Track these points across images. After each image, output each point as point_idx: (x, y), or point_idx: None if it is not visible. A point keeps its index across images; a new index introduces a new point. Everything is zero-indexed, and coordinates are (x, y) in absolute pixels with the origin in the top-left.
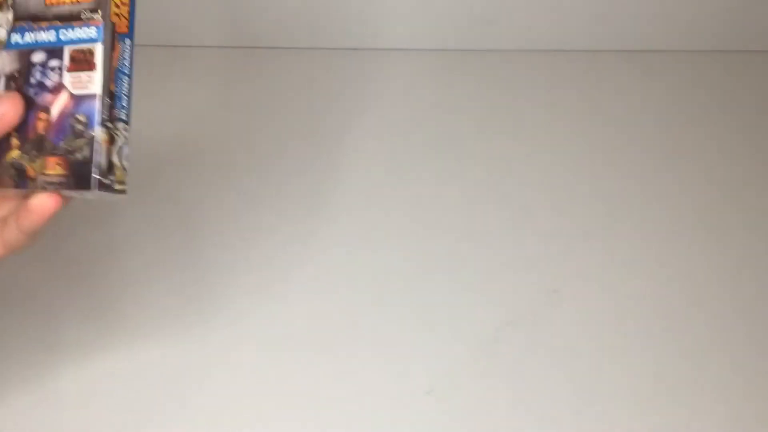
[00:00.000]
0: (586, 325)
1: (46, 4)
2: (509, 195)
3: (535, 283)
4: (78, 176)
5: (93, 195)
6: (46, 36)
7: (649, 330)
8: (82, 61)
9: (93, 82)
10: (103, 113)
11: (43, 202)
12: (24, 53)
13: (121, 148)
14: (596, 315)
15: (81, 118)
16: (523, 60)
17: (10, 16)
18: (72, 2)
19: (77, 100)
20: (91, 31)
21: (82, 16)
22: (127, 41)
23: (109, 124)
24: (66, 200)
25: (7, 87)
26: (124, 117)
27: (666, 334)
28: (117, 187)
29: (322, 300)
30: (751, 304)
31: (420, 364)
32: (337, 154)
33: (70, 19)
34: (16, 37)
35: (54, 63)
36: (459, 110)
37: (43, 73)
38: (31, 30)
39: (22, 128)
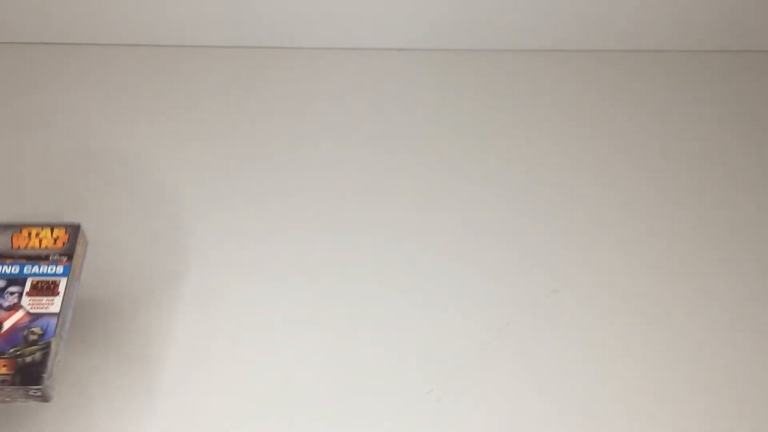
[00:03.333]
0: (586, 325)
1: (12, 248)
2: (509, 195)
3: (535, 283)
4: (25, 375)
5: (25, 397)
6: (10, 269)
7: (649, 330)
8: (44, 289)
9: (54, 305)
10: (57, 328)
11: None
12: None
13: (58, 360)
14: (596, 315)
15: (36, 330)
16: (523, 60)
17: None
18: (42, 247)
19: (33, 317)
20: (58, 269)
21: (51, 258)
22: (76, 284)
23: (58, 339)
24: None
25: None
26: (64, 336)
27: (666, 334)
28: (50, 392)
29: (322, 300)
30: (751, 303)
31: (420, 365)
32: (337, 154)
33: (37, 258)
34: None
35: (13, 289)
36: (459, 110)
37: (2, 297)
38: None
39: None
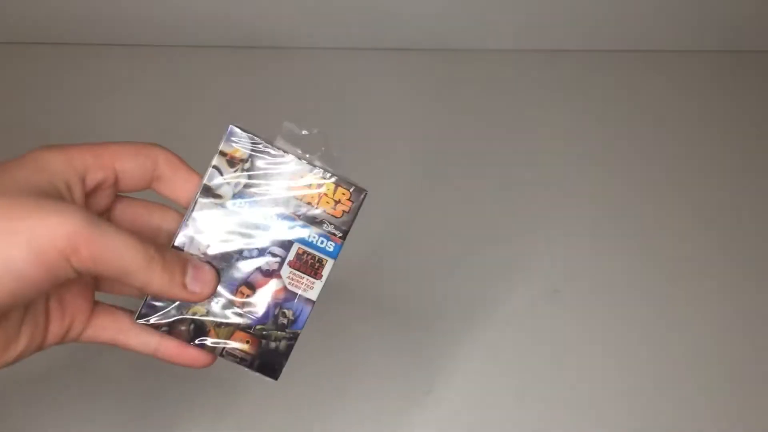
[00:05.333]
0: (587, 325)
1: (294, 197)
2: (510, 195)
3: (536, 282)
4: (265, 362)
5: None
6: (277, 225)
7: (649, 330)
8: (308, 265)
9: (314, 289)
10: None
11: (202, 359)
12: (246, 225)
13: None
14: (596, 315)
15: (288, 313)
16: (523, 60)
17: (242, 179)
18: (326, 211)
19: (289, 294)
20: (329, 245)
21: (324, 227)
22: None
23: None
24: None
25: (219, 249)
26: None
27: (666, 334)
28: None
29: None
30: (751, 304)
31: (420, 365)
32: (336, 154)
33: (309, 221)
34: (240, 203)
35: (277, 251)
36: (459, 110)
37: (262, 254)
38: (263, 210)
39: (216, 292)
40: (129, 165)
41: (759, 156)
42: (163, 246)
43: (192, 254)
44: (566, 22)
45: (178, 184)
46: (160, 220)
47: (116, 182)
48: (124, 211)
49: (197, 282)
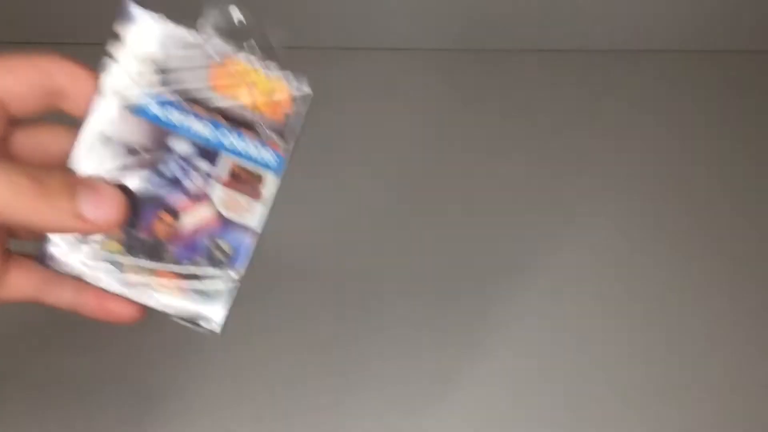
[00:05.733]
0: (587, 324)
1: (211, 88)
2: (510, 195)
3: (536, 282)
4: (198, 310)
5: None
6: (201, 129)
7: (649, 330)
8: (244, 183)
9: (253, 213)
10: (249, 254)
11: (125, 312)
12: (159, 132)
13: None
14: (596, 315)
15: (224, 247)
16: (523, 60)
17: (154, 78)
18: (252, 107)
19: (223, 222)
20: (267, 155)
21: (259, 130)
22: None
23: (240, 271)
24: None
25: (126, 163)
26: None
27: (666, 334)
28: (224, 327)
29: (321, 299)
30: (751, 304)
31: (420, 365)
32: (337, 154)
33: (241, 124)
34: (154, 108)
35: (203, 165)
36: (459, 110)
37: (184, 171)
38: (181, 110)
39: (130, 220)
40: (13, 84)
41: (760, 156)
42: (45, 170)
43: (91, 175)
44: (566, 22)
45: (82, 96)
46: (68, 144)
47: (3, 107)
48: (24, 141)
49: (94, 207)
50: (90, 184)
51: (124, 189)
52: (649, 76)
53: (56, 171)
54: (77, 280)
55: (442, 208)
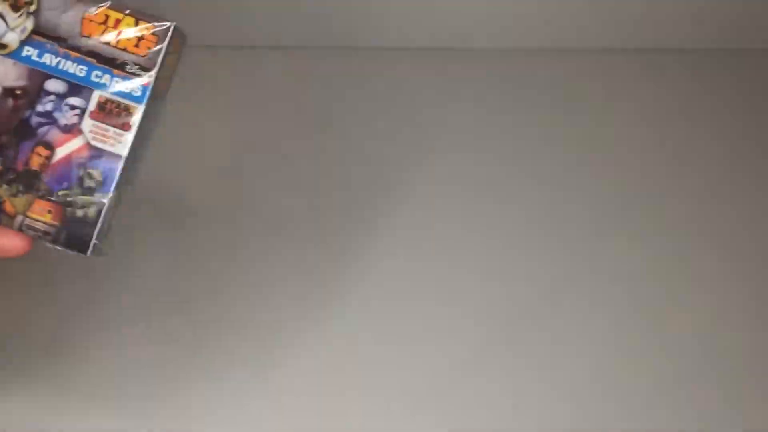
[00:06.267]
0: (587, 325)
1: (81, 35)
2: (510, 195)
3: (536, 282)
4: (72, 235)
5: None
6: (73, 68)
7: (649, 330)
8: (112, 115)
9: (122, 143)
10: (121, 177)
11: (14, 245)
12: (35, 73)
13: (119, 209)
14: (597, 315)
15: (95, 174)
16: (523, 60)
17: (28, 24)
18: (117, 46)
19: (94, 152)
20: (134, 88)
21: (127, 68)
22: (161, 103)
23: (122, 187)
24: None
25: (3, 103)
26: (132, 178)
27: (667, 334)
28: (105, 250)
29: (321, 298)
30: (751, 304)
31: (419, 365)
32: (337, 154)
33: (109, 63)
34: (29, 51)
35: (74, 101)
36: (459, 110)
37: (57, 107)
38: (54, 53)
39: (8, 155)
40: None
41: (760, 156)
42: None
43: None
44: (566, 22)
45: None
46: None
47: None
48: None
49: None
50: None
51: (6, 126)
52: (648, 76)
53: None
54: None
55: (441, 209)
